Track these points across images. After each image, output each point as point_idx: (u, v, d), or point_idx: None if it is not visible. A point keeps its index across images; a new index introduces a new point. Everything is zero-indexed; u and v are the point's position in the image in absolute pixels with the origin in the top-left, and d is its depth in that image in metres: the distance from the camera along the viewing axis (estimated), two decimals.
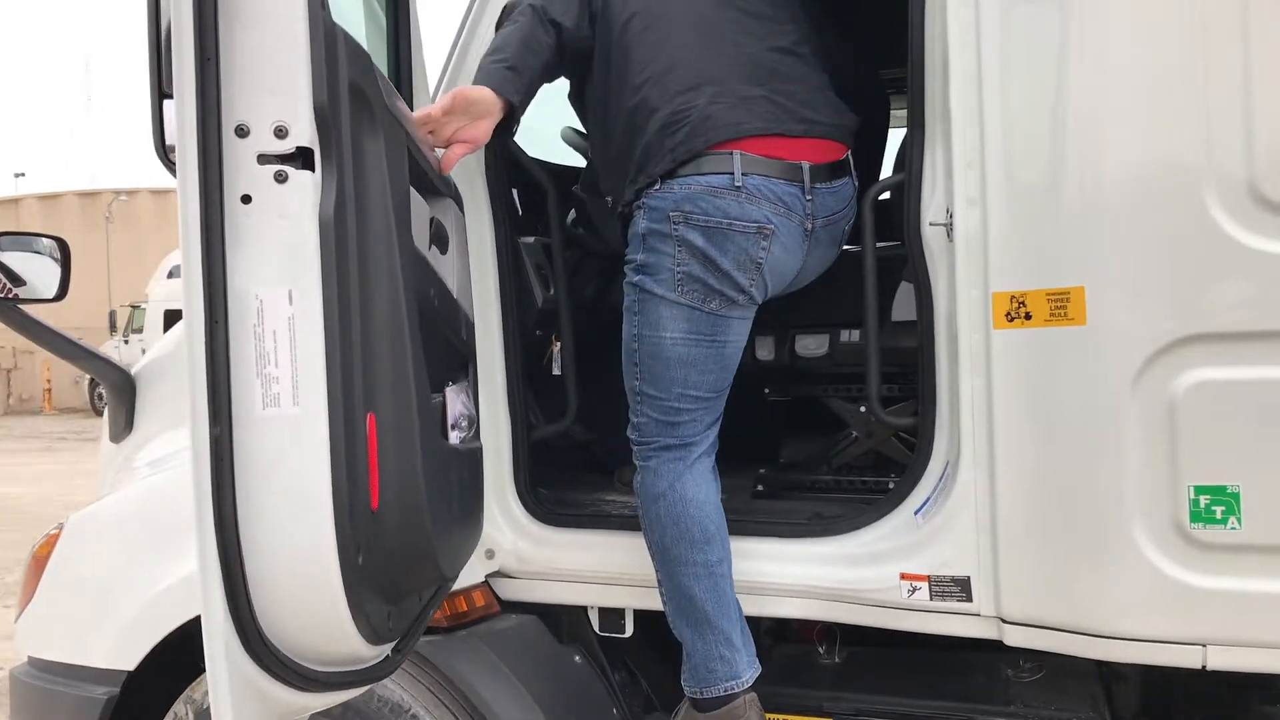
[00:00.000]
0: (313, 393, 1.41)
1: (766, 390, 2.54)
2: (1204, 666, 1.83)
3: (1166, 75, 1.79)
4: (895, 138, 2.64)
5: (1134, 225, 1.82)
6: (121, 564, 2.40)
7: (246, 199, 1.41)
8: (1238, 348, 1.77)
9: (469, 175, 2.32)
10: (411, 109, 2.11)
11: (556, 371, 2.50)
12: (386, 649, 1.68)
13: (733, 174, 2.05)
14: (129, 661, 2.32)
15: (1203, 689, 2.15)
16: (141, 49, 1.89)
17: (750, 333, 2.21)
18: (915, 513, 2.11)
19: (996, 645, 2.05)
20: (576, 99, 2.40)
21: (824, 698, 2.26)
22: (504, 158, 2.38)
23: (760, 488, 2.52)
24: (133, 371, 2.65)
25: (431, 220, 1.90)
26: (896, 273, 2.32)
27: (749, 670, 2.14)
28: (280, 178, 1.41)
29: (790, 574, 2.20)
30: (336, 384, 1.42)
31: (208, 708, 1.52)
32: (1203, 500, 1.80)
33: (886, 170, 2.79)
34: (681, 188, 2.06)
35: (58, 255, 2.43)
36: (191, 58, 1.34)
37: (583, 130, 2.65)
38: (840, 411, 2.43)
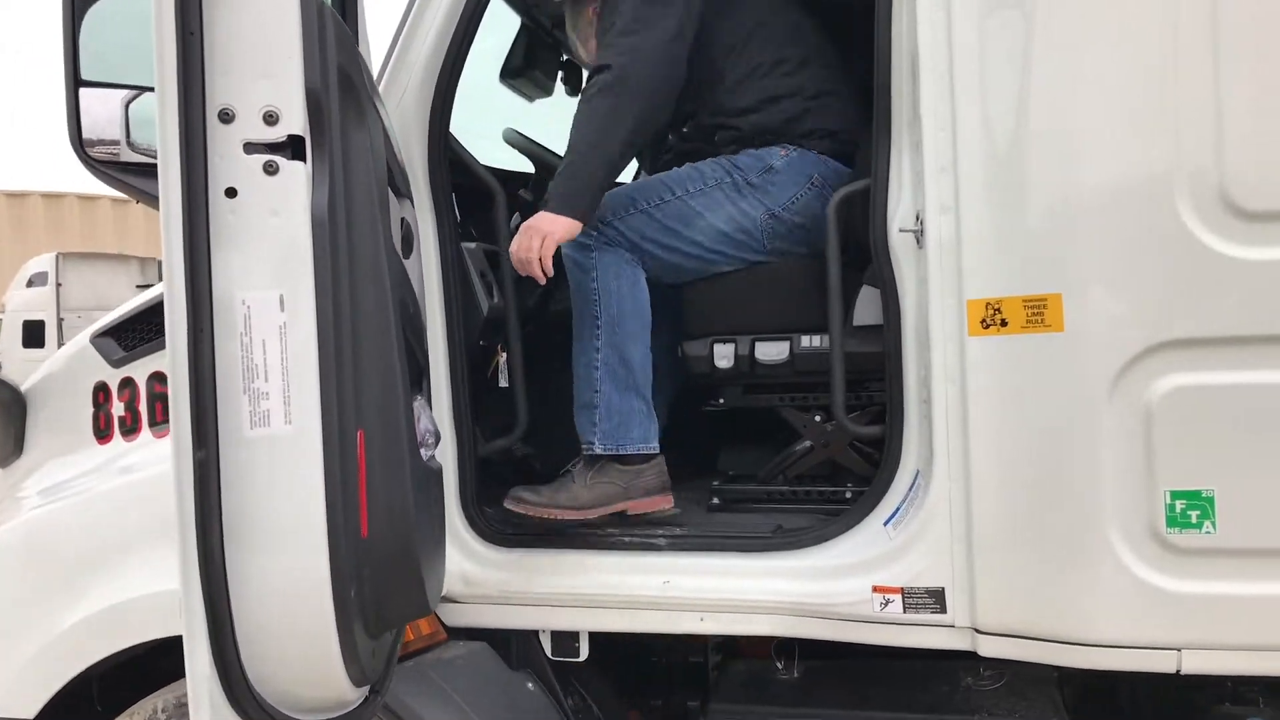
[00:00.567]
0: (306, 410, 1.27)
1: (721, 400, 2.47)
2: (1178, 671, 1.85)
3: (1140, 83, 1.81)
4: None
5: (1110, 232, 1.83)
6: (8, 605, 2.24)
7: (231, 192, 1.25)
8: (1213, 353, 1.80)
9: (412, 177, 2.17)
10: None
11: (503, 383, 2.37)
12: (366, 689, 1.54)
13: None
14: (27, 709, 2.17)
15: (1149, 690, 2.19)
16: (44, 31, 1.69)
17: (709, 341, 2.22)
18: (885, 524, 2.08)
19: (957, 654, 2.03)
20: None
21: (786, 714, 2.20)
22: (449, 159, 2.25)
23: (716, 500, 2.45)
24: (23, 389, 2.41)
25: (402, 221, 1.77)
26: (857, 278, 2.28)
27: (656, 441, 2.33)
28: (270, 169, 1.25)
29: (757, 589, 2.13)
30: (331, 399, 1.28)
31: None
32: (1179, 505, 1.82)
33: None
34: None
35: None
36: (172, 31, 1.17)
37: (525, 134, 2.56)
38: (795, 421, 2.38)
